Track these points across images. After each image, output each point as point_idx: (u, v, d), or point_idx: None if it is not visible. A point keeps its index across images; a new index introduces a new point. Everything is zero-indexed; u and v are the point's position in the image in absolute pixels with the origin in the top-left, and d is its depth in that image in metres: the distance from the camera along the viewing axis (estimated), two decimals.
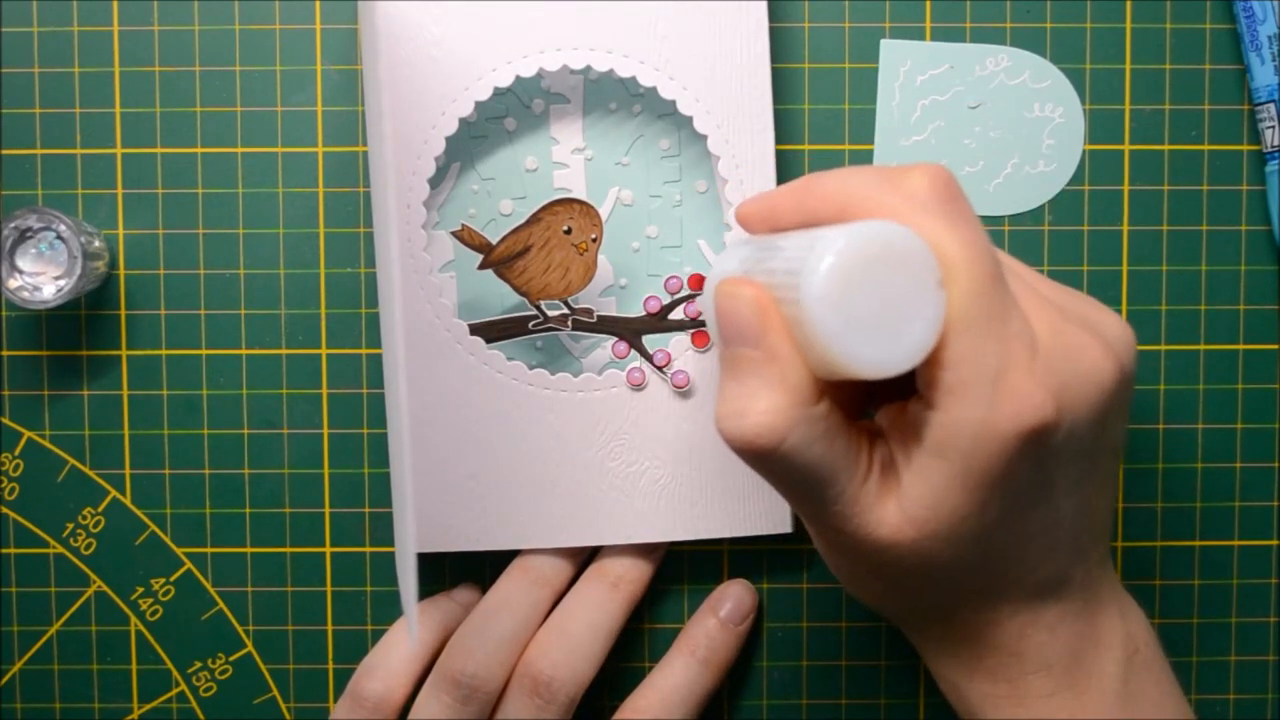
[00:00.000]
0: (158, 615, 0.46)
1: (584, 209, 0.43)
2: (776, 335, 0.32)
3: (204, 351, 0.46)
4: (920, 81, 0.45)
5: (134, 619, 0.46)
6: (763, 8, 0.42)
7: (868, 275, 0.30)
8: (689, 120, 0.43)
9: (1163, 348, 0.46)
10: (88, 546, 0.46)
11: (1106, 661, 0.35)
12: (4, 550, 0.46)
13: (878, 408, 0.35)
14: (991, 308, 0.31)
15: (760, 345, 0.32)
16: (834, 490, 0.32)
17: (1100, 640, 0.36)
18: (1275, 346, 0.46)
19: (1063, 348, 0.32)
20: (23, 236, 0.43)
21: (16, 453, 0.46)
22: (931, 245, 0.31)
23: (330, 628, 0.46)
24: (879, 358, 0.30)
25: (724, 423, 0.32)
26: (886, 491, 0.33)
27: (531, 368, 0.43)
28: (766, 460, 0.32)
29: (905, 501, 0.32)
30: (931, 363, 0.31)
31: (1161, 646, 0.37)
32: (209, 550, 0.46)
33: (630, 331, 0.44)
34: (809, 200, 0.34)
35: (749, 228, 0.36)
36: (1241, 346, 0.46)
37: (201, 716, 0.46)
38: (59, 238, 0.43)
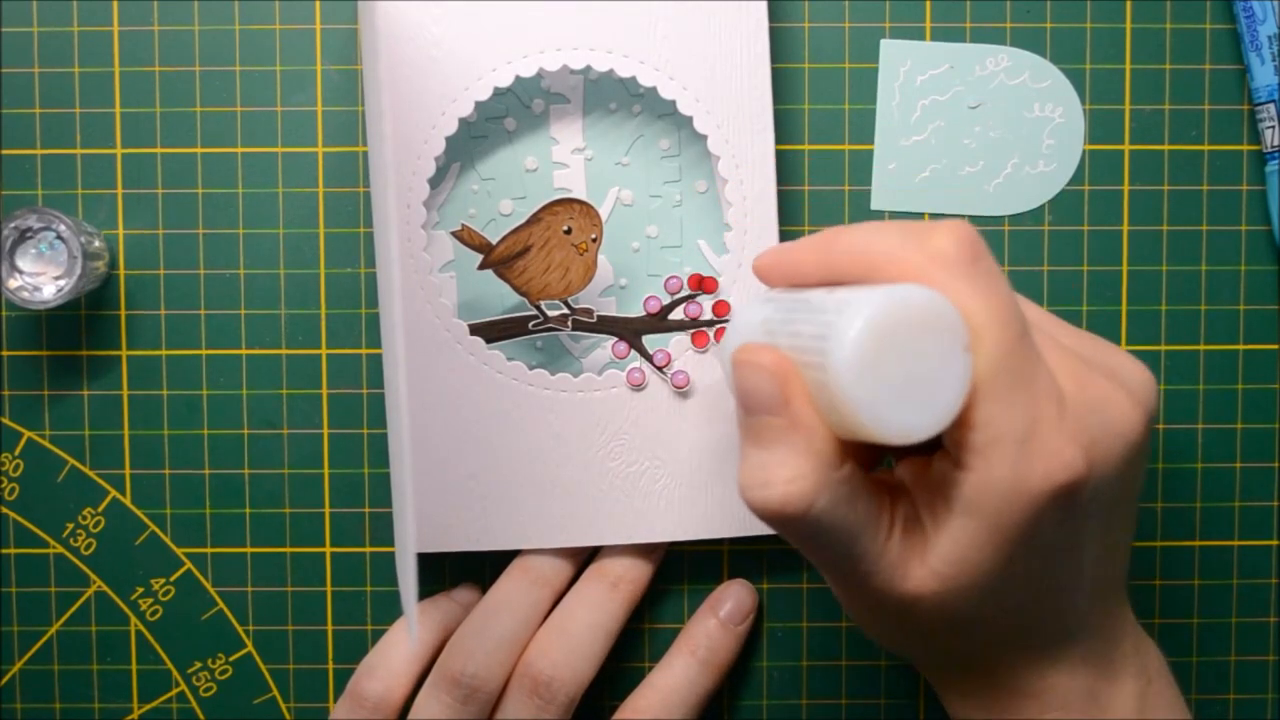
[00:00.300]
0: (158, 615, 0.46)
1: (584, 209, 0.43)
2: (799, 403, 0.31)
3: (204, 351, 0.46)
4: (920, 81, 0.45)
5: (134, 619, 0.46)
6: (763, 8, 0.42)
7: (896, 341, 0.30)
8: (689, 120, 0.43)
9: (1163, 348, 0.46)
10: (88, 546, 0.46)
11: (1123, 696, 0.36)
12: (4, 550, 0.46)
13: (898, 458, 0.35)
14: (1020, 368, 0.30)
15: (783, 413, 0.31)
16: (858, 549, 0.32)
17: (1116, 677, 0.36)
18: (1275, 346, 0.46)
19: (1090, 402, 0.31)
20: (23, 236, 0.43)
21: (16, 453, 0.46)
22: (957, 307, 0.30)
23: (330, 628, 0.46)
24: (907, 423, 0.30)
25: (749, 492, 0.32)
26: (910, 547, 0.33)
27: (531, 368, 0.43)
28: (794, 527, 0.32)
29: (931, 558, 0.32)
30: (960, 424, 0.31)
31: (1171, 674, 0.37)
32: (209, 550, 0.46)
33: (630, 331, 0.44)
34: (832, 257, 0.33)
35: (767, 281, 0.35)
36: (1241, 346, 0.46)
37: (201, 716, 0.46)
38: (59, 238, 0.43)
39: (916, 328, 0.30)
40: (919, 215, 0.46)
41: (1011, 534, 0.31)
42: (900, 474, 0.34)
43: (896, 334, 0.30)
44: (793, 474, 0.31)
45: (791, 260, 0.34)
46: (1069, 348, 0.33)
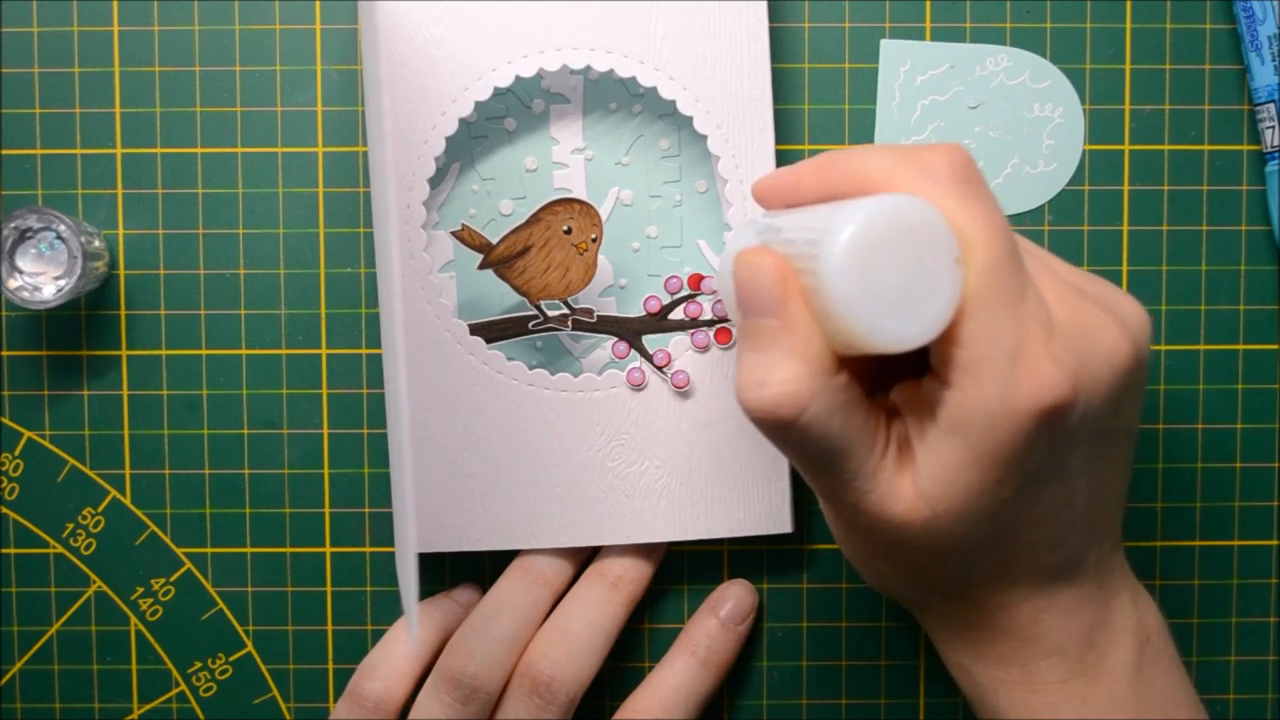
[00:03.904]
0: (158, 615, 0.46)
1: (584, 209, 0.43)
2: (796, 304, 0.32)
3: (204, 351, 0.46)
4: (920, 81, 0.45)
5: (134, 619, 0.46)
6: (763, 8, 0.42)
7: (887, 249, 0.30)
8: (689, 120, 0.43)
9: (1163, 348, 0.46)
10: (88, 546, 0.46)
11: (1120, 648, 0.35)
12: (4, 550, 0.46)
13: (892, 386, 0.35)
14: (1008, 285, 0.31)
15: (780, 315, 0.32)
16: (852, 464, 0.32)
17: (1113, 626, 0.36)
18: (1275, 346, 0.46)
19: (1079, 326, 0.32)
20: (23, 236, 0.43)
21: (16, 453, 0.46)
22: (949, 222, 0.31)
23: (330, 628, 0.46)
24: (895, 331, 0.30)
25: (745, 393, 0.32)
26: (902, 468, 0.33)
27: (531, 368, 0.43)
28: (787, 430, 0.32)
29: (920, 478, 0.32)
30: (947, 340, 0.31)
31: (1171, 634, 0.37)
32: (209, 550, 0.46)
33: (630, 331, 0.44)
34: (828, 177, 0.34)
35: (766, 203, 0.36)
36: (1241, 346, 0.46)
37: (201, 716, 0.46)
38: (59, 238, 0.43)
39: (907, 236, 0.30)
40: None
41: (998, 454, 0.31)
42: (894, 397, 0.34)
43: (887, 241, 0.30)
44: (788, 375, 0.31)
45: (789, 181, 0.35)
46: (1063, 277, 0.33)
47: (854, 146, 0.34)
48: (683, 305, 0.44)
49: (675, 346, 0.44)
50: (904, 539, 0.33)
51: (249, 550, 0.46)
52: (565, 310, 0.44)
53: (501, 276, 0.43)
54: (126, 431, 0.46)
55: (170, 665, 0.46)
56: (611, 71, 0.43)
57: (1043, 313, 0.31)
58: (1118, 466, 0.35)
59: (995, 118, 0.45)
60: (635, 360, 0.44)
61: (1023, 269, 0.31)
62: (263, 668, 0.46)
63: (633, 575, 0.44)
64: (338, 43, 0.45)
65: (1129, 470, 0.36)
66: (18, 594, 0.46)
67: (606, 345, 0.44)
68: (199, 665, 0.46)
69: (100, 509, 0.46)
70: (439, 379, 0.43)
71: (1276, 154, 0.45)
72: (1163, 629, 0.37)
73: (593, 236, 0.43)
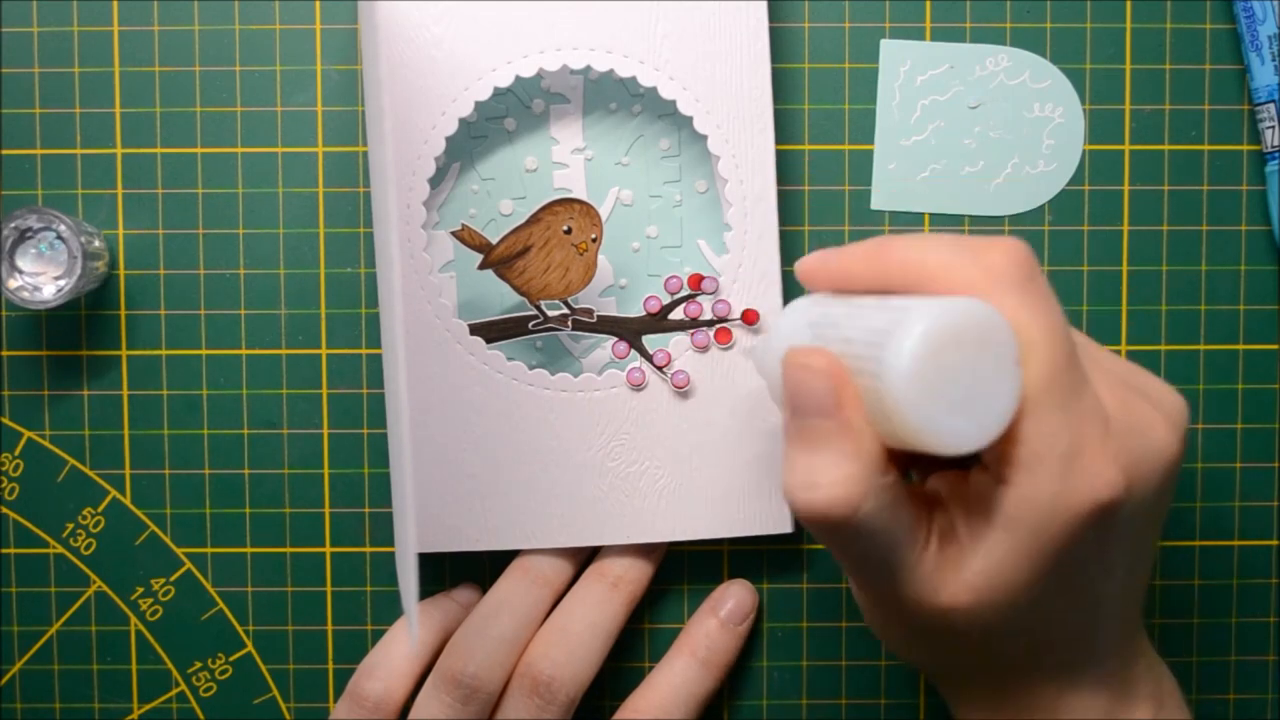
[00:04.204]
0: (158, 615, 0.46)
1: (584, 209, 0.43)
2: (852, 407, 0.31)
3: (204, 351, 0.46)
4: (920, 81, 0.45)
5: (134, 619, 0.46)
6: (763, 8, 0.42)
7: (951, 352, 0.30)
8: (689, 120, 0.43)
9: (1163, 348, 0.46)
10: (88, 546, 0.46)
11: (1137, 716, 0.36)
12: (4, 550, 0.46)
13: (923, 472, 0.35)
14: (1068, 387, 0.31)
15: (834, 416, 0.32)
16: (896, 558, 0.32)
17: (1132, 699, 0.36)
18: (1275, 346, 0.46)
19: (1132, 424, 0.32)
20: (23, 236, 0.43)
21: (16, 453, 0.46)
22: (1010, 323, 0.31)
23: (330, 628, 0.46)
24: (958, 433, 0.30)
25: (796, 493, 0.32)
26: (945, 559, 0.33)
27: (531, 368, 0.43)
28: (839, 532, 0.32)
29: (967, 571, 0.32)
30: (1006, 438, 0.31)
31: (1184, 698, 0.38)
32: (209, 550, 0.46)
33: (630, 331, 0.44)
34: (882, 266, 0.33)
35: (812, 285, 0.35)
36: (1241, 346, 0.46)
37: (201, 716, 0.46)
38: (59, 238, 0.43)
39: (971, 340, 0.30)
40: (919, 215, 0.46)
41: (1049, 550, 0.31)
42: (935, 486, 0.34)
43: (952, 345, 0.30)
44: (841, 476, 0.31)
45: (840, 266, 0.34)
46: (1111, 370, 0.33)
47: (906, 235, 0.33)
48: (683, 305, 0.44)
49: (675, 346, 0.44)
50: (945, 626, 0.33)
51: (249, 550, 0.46)
52: (565, 310, 0.44)
53: (501, 276, 0.43)
54: (126, 431, 0.46)
55: (170, 665, 0.46)
56: (611, 71, 0.43)
57: (1099, 411, 0.31)
58: (1149, 552, 0.35)
59: (995, 118, 0.45)
60: (635, 360, 0.44)
61: (1081, 369, 0.31)
62: (263, 668, 0.46)
63: (633, 575, 0.44)
64: (338, 43, 0.45)
65: (1156, 552, 0.36)
66: (18, 594, 0.46)
67: (606, 345, 0.44)
68: (199, 665, 0.46)
69: (100, 509, 0.46)
70: (439, 379, 0.43)
71: (1276, 154, 0.45)
72: (1175, 693, 0.37)
73: (593, 236, 0.43)
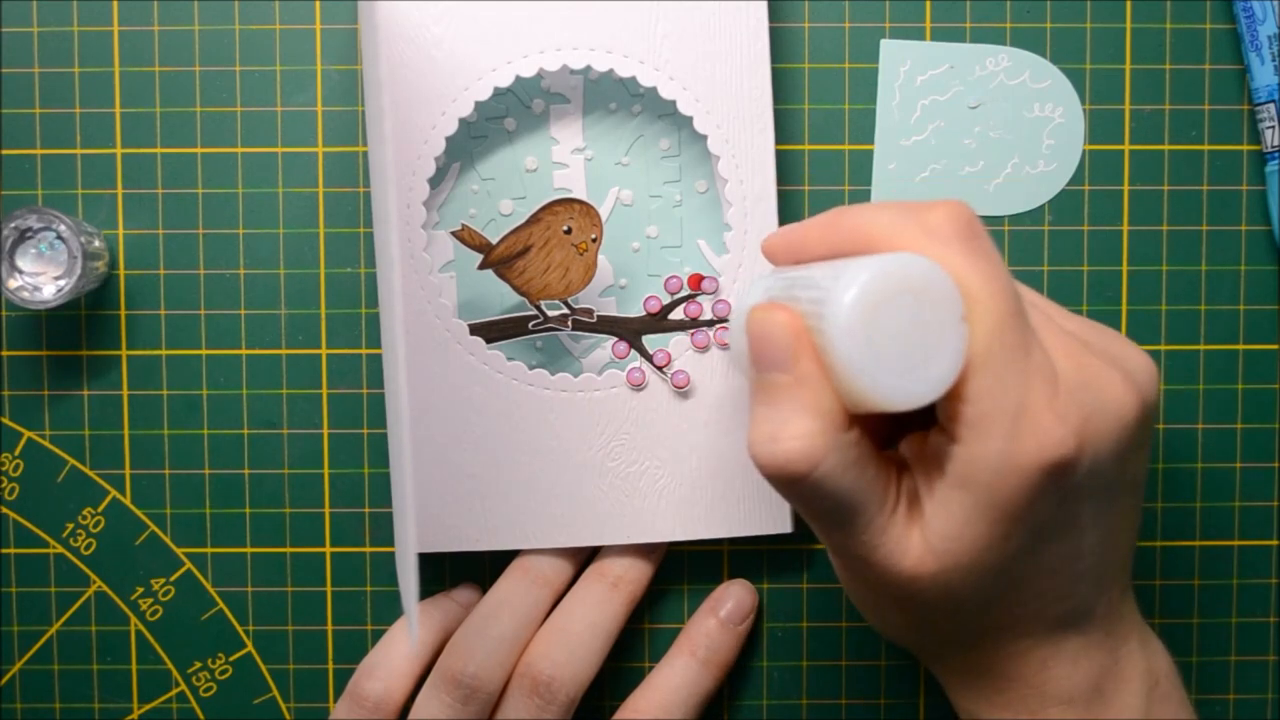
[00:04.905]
0: (158, 615, 0.46)
1: (584, 209, 0.43)
2: (808, 360, 0.32)
3: (204, 351, 0.46)
4: (920, 81, 0.45)
5: (134, 619, 0.46)
6: (763, 8, 0.42)
7: (891, 308, 0.30)
8: (689, 120, 0.43)
9: (1163, 348, 0.46)
10: (88, 546, 0.46)
11: (1128, 694, 0.36)
12: (4, 550, 0.46)
13: (902, 439, 0.35)
14: (1013, 342, 0.31)
15: (793, 370, 0.32)
16: (862, 519, 0.32)
17: (1122, 673, 0.36)
18: (1275, 346, 0.46)
19: (1084, 381, 0.32)
20: (23, 236, 0.43)
21: (16, 453, 0.46)
22: (953, 279, 0.31)
23: (330, 628, 0.46)
24: (901, 389, 0.31)
25: (757, 448, 0.32)
26: (911, 523, 0.33)
27: (531, 368, 0.43)
28: (799, 486, 0.32)
29: (928, 533, 0.32)
30: (953, 396, 0.31)
31: (1180, 677, 0.37)
32: (209, 550, 0.46)
33: (630, 331, 0.44)
34: (834, 234, 0.34)
35: (774, 260, 0.36)
36: (1241, 346, 0.46)
37: (201, 716, 0.46)
38: (59, 238, 0.43)
39: (912, 295, 0.30)
40: None
41: (1005, 509, 0.31)
42: (903, 451, 0.34)
43: (892, 300, 0.30)
44: (800, 430, 0.31)
45: (797, 238, 0.35)
46: (1068, 330, 0.33)
47: (859, 204, 0.34)
48: (683, 305, 0.44)
49: (675, 346, 0.44)
50: (913, 592, 0.33)
51: (249, 550, 0.46)
52: (565, 310, 0.44)
53: (501, 276, 0.43)
54: (126, 431, 0.46)
55: (170, 665, 0.46)
56: (611, 71, 0.43)
57: (1047, 369, 0.31)
58: (1125, 517, 0.35)
59: (995, 118, 0.45)
60: (635, 360, 0.44)
61: (1027, 325, 0.31)
62: (263, 668, 0.46)
63: (633, 575, 0.44)
64: (338, 43, 0.45)
65: (1137, 519, 0.36)
66: (18, 594, 0.46)
67: (606, 345, 0.44)
68: (199, 665, 0.46)
69: (100, 509, 0.46)
70: (439, 379, 0.43)
71: (1276, 154, 0.45)
72: (1171, 672, 0.37)
73: (593, 236, 0.43)
